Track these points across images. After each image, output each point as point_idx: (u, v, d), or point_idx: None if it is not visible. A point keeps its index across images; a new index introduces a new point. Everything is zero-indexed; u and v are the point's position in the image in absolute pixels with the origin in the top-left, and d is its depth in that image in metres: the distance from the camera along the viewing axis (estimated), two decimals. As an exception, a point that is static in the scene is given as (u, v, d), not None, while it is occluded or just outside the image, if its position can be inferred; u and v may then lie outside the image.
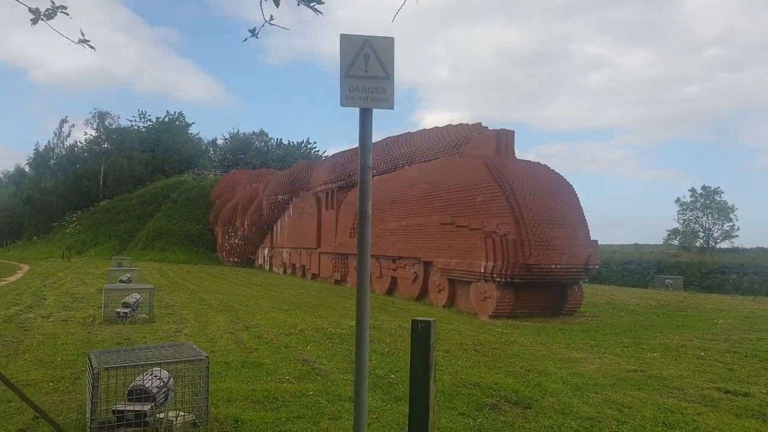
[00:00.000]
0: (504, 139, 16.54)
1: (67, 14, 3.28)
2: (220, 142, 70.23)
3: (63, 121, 63.52)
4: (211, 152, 69.28)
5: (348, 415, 5.41)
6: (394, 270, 19.24)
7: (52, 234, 52.72)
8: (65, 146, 62.66)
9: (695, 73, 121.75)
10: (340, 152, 27.47)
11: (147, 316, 11.24)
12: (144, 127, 65.06)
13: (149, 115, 65.91)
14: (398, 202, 19.06)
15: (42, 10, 3.14)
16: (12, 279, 22.84)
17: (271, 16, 3.77)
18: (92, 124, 63.34)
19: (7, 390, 6.13)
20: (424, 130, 20.66)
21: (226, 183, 46.26)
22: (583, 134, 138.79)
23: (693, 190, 52.95)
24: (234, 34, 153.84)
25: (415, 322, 3.49)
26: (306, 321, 11.28)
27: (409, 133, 21.68)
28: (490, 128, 17.42)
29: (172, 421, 4.82)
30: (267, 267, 35.18)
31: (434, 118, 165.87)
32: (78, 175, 58.82)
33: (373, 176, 23.90)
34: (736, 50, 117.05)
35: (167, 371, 5.04)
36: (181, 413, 4.94)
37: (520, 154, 17.72)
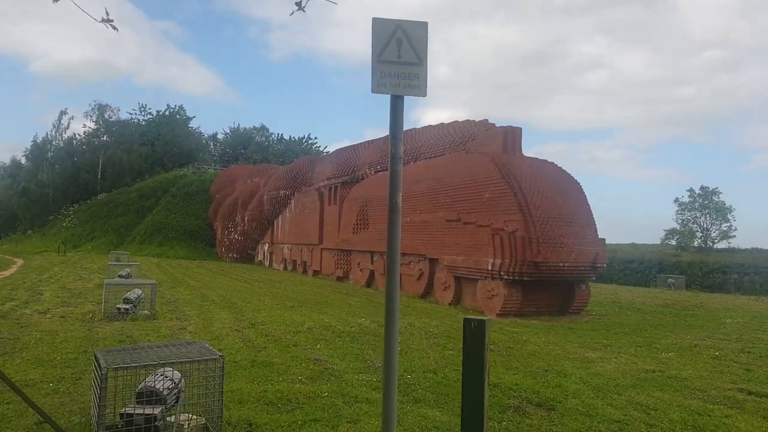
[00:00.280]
0: (511, 136, 16.31)
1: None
2: (220, 136, 69.83)
3: (62, 113, 62.89)
4: (212, 147, 68.82)
5: (367, 418, 5.19)
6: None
7: (48, 227, 52.23)
8: (63, 138, 62.11)
9: (693, 75, 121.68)
10: (344, 148, 27.19)
11: (149, 313, 10.99)
12: (144, 120, 64.56)
13: (149, 109, 65.48)
14: (403, 198, 18.79)
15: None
16: (6, 273, 22.50)
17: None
18: (92, 116, 62.79)
19: (6, 390, 5.89)
20: (430, 126, 20.41)
21: (226, 177, 45.88)
22: (582, 134, 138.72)
23: (691, 190, 52.87)
24: (236, 28, 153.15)
25: (467, 321, 3.25)
26: (313, 318, 11.04)
27: (414, 129, 21.41)
28: (497, 125, 17.17)
29: (183, 425, 4.59)
30: (267, 263, 34.89)
31: (434, 116, 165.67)
32: (76, 167, 58.32)
33: (376, 172, 23.77)
34: (733, 52, 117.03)
35: (178, 371, 4.81)
36: (193, 416, 4.71)
37: (520, 153, 17.41)
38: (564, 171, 15.88)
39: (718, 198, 50.92)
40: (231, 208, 39.98)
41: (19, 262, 30.56)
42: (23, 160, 65.84)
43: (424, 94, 3.88)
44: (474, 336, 3.19)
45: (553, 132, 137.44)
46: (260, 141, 67.40)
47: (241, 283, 20.67)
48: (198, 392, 4.96)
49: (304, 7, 3.53)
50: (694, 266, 29.38)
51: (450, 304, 15.99)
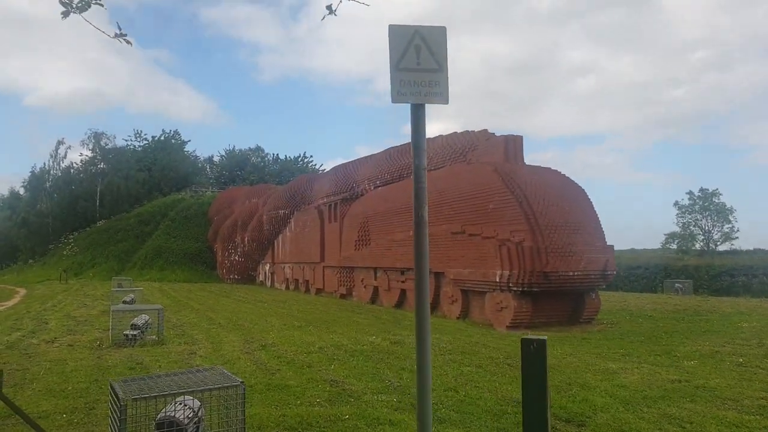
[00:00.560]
0: (513, 144, 16.24)
1: (102, 5, 2.91)
2: (216, 159, 69.85)
3: (59, 143, 62.89)
4: (208, 169, 68.81)
5: (393, 441, 4.99)
6: (403, 282, 18.83)
7: (49, 257, 51.96)
8: (61, 168, 62.02)
9: (683, 75, 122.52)
10: (342, 164, 27.11)
11: (157, 338, 10.77)
12: (140, 146, 64.61)
13: (145, 135, 65.58)
14: (404, 212, 18.68)
15: (74, 2, 2.76)
16: (10, 303, 22.24)
17: None
18: (88, 144, 62.82)
19: (20, 423, 5.69)
20: (428, 138, 20.34)
21: (224, 199, 45.80)
22: (575, 140, 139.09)
23: (691, 192, 52.79)
24: (226, 52, 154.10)
25: (526, 342, 3.07)
26: (323, 338, 10.83)
27: (413, 142, 21.36)
28: (497, 134, 17.11)
29: (206, 455, 4.40)
30: (268, 283, 34.64)
31: (427, 128, 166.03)
32: (74, 196, 58.15)
33: (376, 187, 23.61)
34: (721, 50, 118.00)
35: (197, 399, 4.62)
36: (215, 445, 4.51)
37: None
38: (568, 178, 15.78)
39: (718, 199, 50.84)
40: (230, 229, 39.82)
41: (22, 291, 30.28)
42: (22, 191, 65.72)
43: (447, 101, 3.77)
44: (534, 357, 2.98)
45: (546, 139, 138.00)
46: (256, 162, 67.46)
47: (245, 304, 20.44)
48: (218, 420, 4.76)
49: (335, 11, 3.43)
50: (701, 270, 29.20)
51: (458, 318, 15.78)
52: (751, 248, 46.40)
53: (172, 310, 16.96)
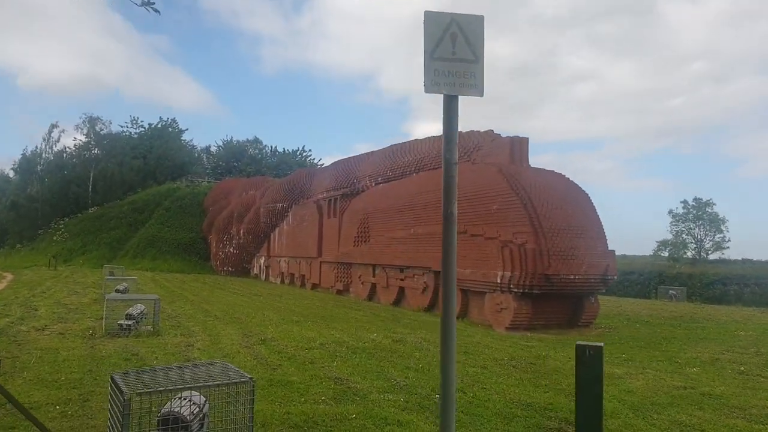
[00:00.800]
0: (518, 146, 16.11)
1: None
2: (213, 149, 69.22)
3: (53, 126, 62.20)
4: (204, 159, 68.21)
5: (404, 443, 4.84)
6: (402, 280, 18.68)
7: (38, 242, 51.36)
8: (53, 152, 61.34)
9: (681, 86, 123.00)
10: (343, 159, 26.89)
11: (152, 329, 10.56)
12: (136, 133, 63.86)
13: (141, 121, 64.88)
14: (406, 210, 18.53)
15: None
16: (-2, 288, 21.90)
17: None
18: (82, 129, 62.11)
19: (9, 414, 5.49)
20: (432, 137, 20.19)
21: (221, 190, 45.40)
22: (572, 145, 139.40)
23: (685, 201, 53.01)
24: (226, 42, 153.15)
25: (582, 348, 2.90)
26: (323, 334, 10.67)
27: (416, 140, 21.21)
28: (502, 135, 16.97)
29: (211, 452, 4.23)
30: (263, 277, 34.39)
31: (425, 128, 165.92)
32: (66, 181, 57.49)
33: (377, 183, 23.40)
34: (719, 63, 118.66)
35: (202, 395, 4.45)
36: (220, 443, 4.35)
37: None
38: (572, 181, 15.69)
39: (712, 209, 51.08)
40: (226, 221, 39.49)
41: (9, 276, 29.84)
42: (11, 174, 65.00)
43: (482, 94, 3.60)
44: (590, 363, 2.79)
45: (544, 143, 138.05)
46: (253, 154, 66.96)
47: (240, 297, 20.22)
48: (222, 417, 4.59)
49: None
50: (694, 278, 29.27)
51: (457, 318, 15.59)
52: (740, 258, 46.79)
53: (166, 301, 16.71)
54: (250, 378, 4.42)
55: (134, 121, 64.78)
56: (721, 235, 51.56)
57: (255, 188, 39.68)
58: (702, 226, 52.62)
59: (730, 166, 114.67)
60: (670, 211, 53.39)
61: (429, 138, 20.39)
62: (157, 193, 49.78)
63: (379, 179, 22.03)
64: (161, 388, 4.11)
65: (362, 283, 21.47)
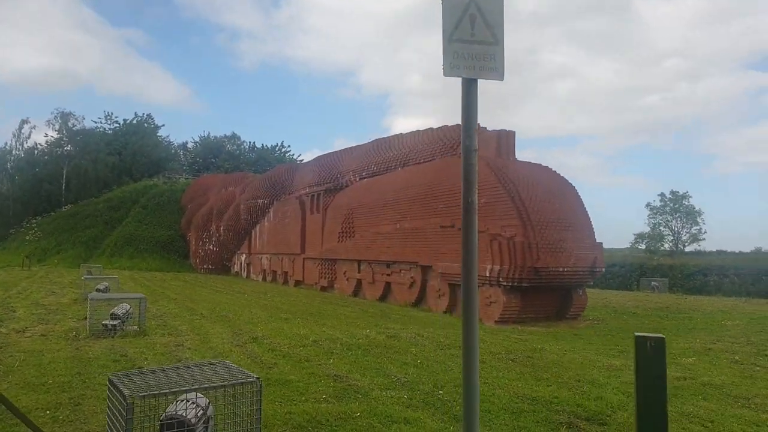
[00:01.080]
0: (505, 139, 16.08)
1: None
2: (190, 145, 68.12)
3: (23, 122, 60.57)
4: (182, 156, 67.08)
5: (415, 442, 4.70)
6: (389, 275, 18.55)
7: (9, 241, 49.98)
8: (24, 149, 59.69)
9: (657, 83, 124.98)
10: (326, 154, 26.60)
11: (138, 329, 10.25)
12: (110, 129, 62.42)
13: (116, 117, 63.46)
14: (392, 204, 18.38)
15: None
16: (-30, 289, 21.13)
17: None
18: (54, 125, 60.59)
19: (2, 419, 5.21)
20: (417, 131, 20.06)
21: (199, 187, 44.68)
22: (552, 141, 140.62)
23: (662, 194, 53.95)
24: (203, 36, 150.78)
25: (641, 339, 2.73)
26: (315, 331, 10.47)
27: (401, 134, 21.05)
28: (488, 129, 16.92)
29: (217, 457, 4.04)
30: (244, 274, 33.95)
31: (406, 124, 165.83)
32: (38, 178, 56.03)
33: (362, 178, 23.17)
34: (694, 61, 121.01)
35: (206, 396, 4.25)
36: (226, 446, 4.15)
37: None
38: (559, 175, 15.72)
39: (688, 202, 52.07)
40: (205, 218, 38.87)
41: (-19, 277, 28.91)
42: (-21, 172, 63.06)
43: (502, 78, 3.46)
44: (652, 357, 2.63)
45: (524, 139, 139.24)
46: (232, 149, 66.10)
47: (224, 295, 19.87)
48: (226, 419, 4.39)
49: None
50: (675, 269, 29.77)
51: (445, 312, 15.59)
52: (714, 250, 47.82)
53: (149, 300, 16.23)
54: (257, 378, 4.23)
55: (108, 117, 63.41)
56: (698, 227, 52.65)
57: (234, 184, 39.14)
58: (679, 219, 53.62)
59: (705, 161, 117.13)
60: (648, 204, 54.34)
61: (414, 132, 20.26)
62: (134, 191, 48.81)
63: (364, 174, 21.84)
64: (166, 391, 3.90)
65: (347, 279, 21.29)
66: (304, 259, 25.20)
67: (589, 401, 6.03)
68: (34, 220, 50.78)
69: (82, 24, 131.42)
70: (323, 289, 23.12)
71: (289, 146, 67.93)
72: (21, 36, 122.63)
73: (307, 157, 73.37)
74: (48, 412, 5.52)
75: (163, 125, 74.56)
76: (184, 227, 42.61)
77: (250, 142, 66.91)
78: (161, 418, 4.07)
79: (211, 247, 37.83)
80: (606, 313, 16.26)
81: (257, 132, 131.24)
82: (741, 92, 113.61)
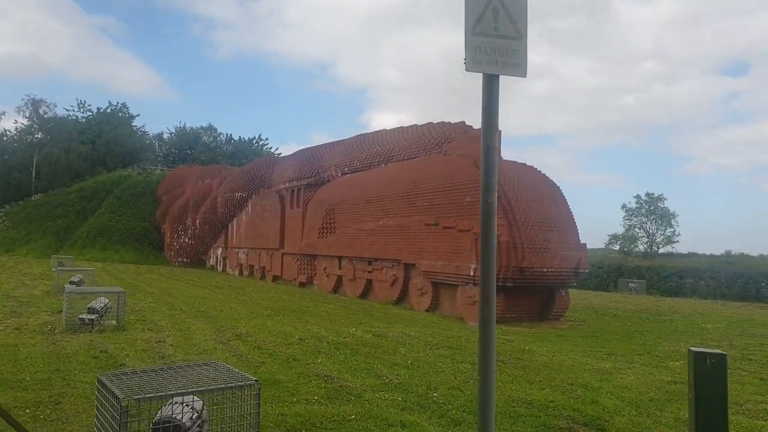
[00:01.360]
0: (491, 138, 16.02)
1: None
2: (165, 136, 66.84)
3: (-9, 109, 58.67)
4: (157, 147, 65.77)
5: (416, 447, 4.57)
6: (370, 272, 18.39)
7: (-24, 230, 48.45)
8: (-8, 136, 57.87)
9: (632, 84, 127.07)
10: (307, 148, 26.30)
11: (117, 324, 9.91)
12: (83, 117, 60.88)
13: (89, 105, 61.90)
14: (375, 201, 18.21)
15: None
16: (-64, 279, 20.34)
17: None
18: (24, 112, 58.84)
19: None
20: (401, 128, 19.93)
21: (175, 178, 43.85)
22: (528, 140, 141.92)
23: (638, 196, 54.76)
24: (179, 25, 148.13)
25: (700, 356, 2.54)
26: (299, 329, 10.27)
27: (384, 130, 20.90)
28: (474, 127, 16.88)
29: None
30: (220, 268, 33.42)
31: (384, 119, 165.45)
32: (6, 166, 54.38)
33: (345, 173, 22.91)
34: (669, 64, 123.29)
35: (201, 399, 4.05)
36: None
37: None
38: (544, 175, 15.74)
39: (663, 204, 52.97)
40: (181, 210, 38.16)
41: (-54, 267, 27.90)
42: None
43: (525, 74, 3.34)
44: (711, 375, 2.44)
45: (503, 138, 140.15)
46: (208, 141, 65.09)
47: (201, 289, 19.48)
48: (225, 423, 4.20)
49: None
50: (652, 271, 30.23)
51: (427, 311, 15.51)
52: (686, 252, 48.78)
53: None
54: (256, 380, 4.04)
55: (82, 105, 61.83)
56: (672, 230, 53.59)
57: (212, 177, 38.53)
58: (654, 221, 54.52)
59: (679, 162, 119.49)
60: (624, 206, 55.09)
61: (398, 129, 20.12)
62: (108, 181, 47.71)
63: (346, 169, 21.63)
64: (162, 394, 3.69)
65: (327, 276, 21.08)
66: (282, 254, 24.88)
67: (585, 406, 5.97)
68: (3, 209, 49.29)
69: (54, 9, 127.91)
70: (302, 284, 22.87)
71: (266, 139, 67.28)
72: None
73: (285, 150, 72.77)
74: (28, 410, 5.26)
75: (138, 115, 72.85)
76: (159, 219, 41.79)
77: (226, 134, 66.03)
78: (154, 421, 3.87)
79: (186, 239, 37.17)
80: (587, 314, 16.37)
81: (234, 124, 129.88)
82: (717, 95, 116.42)
